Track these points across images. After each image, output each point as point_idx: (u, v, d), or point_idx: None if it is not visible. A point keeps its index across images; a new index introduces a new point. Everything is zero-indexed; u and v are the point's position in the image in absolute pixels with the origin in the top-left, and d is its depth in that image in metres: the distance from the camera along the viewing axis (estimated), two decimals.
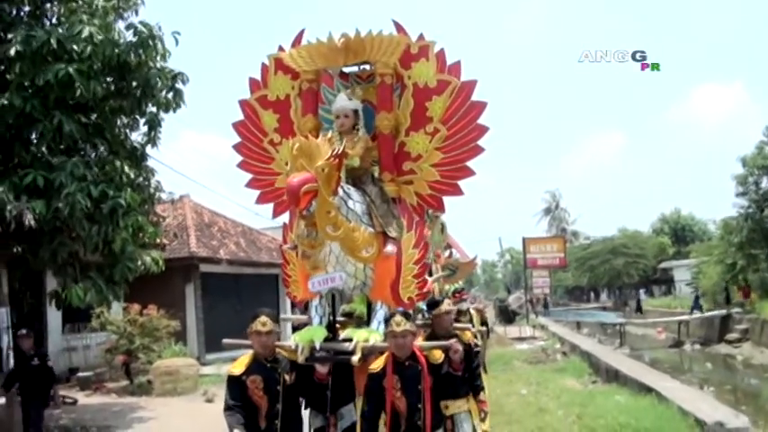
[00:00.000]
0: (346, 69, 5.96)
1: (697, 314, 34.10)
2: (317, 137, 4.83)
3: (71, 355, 18.02)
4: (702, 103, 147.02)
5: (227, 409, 4.76)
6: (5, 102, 9.93)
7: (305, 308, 5.89)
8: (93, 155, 11.24)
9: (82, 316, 17.14)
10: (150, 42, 10.68)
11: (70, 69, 9.68)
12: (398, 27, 5.42)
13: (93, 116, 11.15)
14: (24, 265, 11.83)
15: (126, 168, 10.87)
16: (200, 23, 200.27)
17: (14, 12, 10.86)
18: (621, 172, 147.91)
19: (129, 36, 10.79)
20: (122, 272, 11.21)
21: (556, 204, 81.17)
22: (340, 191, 4.78)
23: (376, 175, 5.60)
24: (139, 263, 11.52)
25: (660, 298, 56.60)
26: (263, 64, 5.98)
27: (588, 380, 16.96)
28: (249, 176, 6.21)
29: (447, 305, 6.11)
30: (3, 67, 10.59)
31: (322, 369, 4.96)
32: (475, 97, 5.36)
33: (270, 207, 6.17)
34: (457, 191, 5.58)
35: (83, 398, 15.19)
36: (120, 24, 11.22)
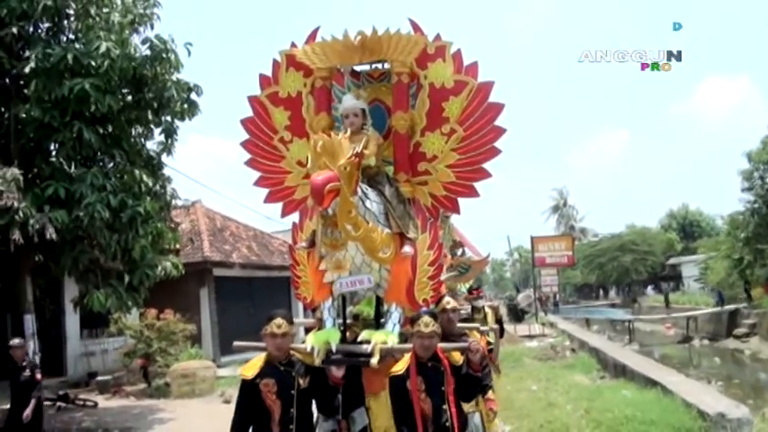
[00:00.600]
0: (357, 68, 5.82)
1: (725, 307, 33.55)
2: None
3: (89, 359, 18.46)
4: (708, 97, 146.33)
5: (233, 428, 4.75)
6: (26, 114, 10.33)
7: (313, 310, 5.75)
8: (110, 165, 11.61)
9: (100, 321, 17.56)
10: (165, 55, 11.07)
11: (86, 84, 10.07)
12: (415, 26, 5.32)
13: (110, 127, 11.47)
14: (46, 273, 12.23)
15: (144, 177, 11.26)
16: (203, 25, 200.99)
17: (32, 29, 11.22)
18: (628, 168, 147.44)
19: (145, 50, 11.20)
20: (142, 278, 11.60)
21: (564, 202, 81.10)
22: (358, 190, 4.67)
23: (391, 175, 5.44)
24: (159, 269, 11.91)
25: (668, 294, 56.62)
26: (275, 60, 5.81)
27: (596, 375, 17.26)
28: (257, 175, 6.03)
29: (448, 302, 5.95)
30: (21, 82, 10.98)
31: (338, 372, 4.81)
32: (492, 98, 5.27)
33: (279, 206, 6.01)
34: (472, 192, 5.48)
35: (102, 401, 15.52)
36: (136, 38, 11.60)
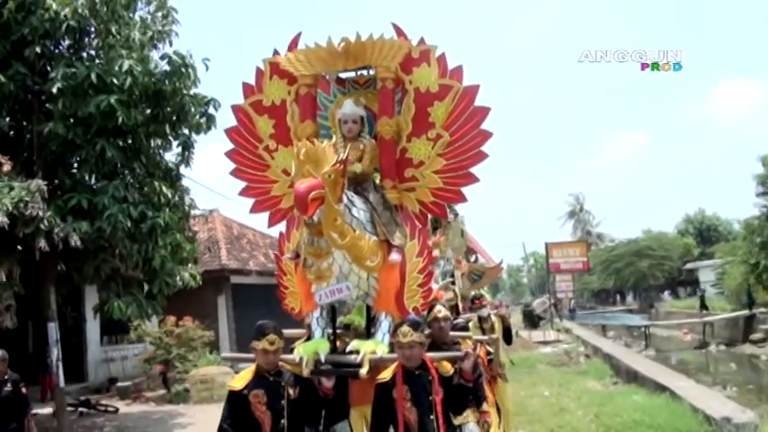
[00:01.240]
0: (343, 75, 5.73)
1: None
2: None
3: (109, 365, 18.89)
4: (726, 100, 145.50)
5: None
6: (50, 130, 10.69)
7: (301, 320, 5.68)
8: (131, 177, 11.94)
9: (119, 328, 17.96)
10: (183, 70, 11.38)
11: (111, 100, 10.40)
12: (398, 31, 5.24)
13: (130, 140, 11.79)
14: (69, 281, 12.58)
15: (163, 189, 11.61)
16: (221, 37, 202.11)
17: (54, 47, 11.59)
18: (646, 172, 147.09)
19: (164, 65, 11.50)
20: (161, 287, 11.94)
21: (580, 207, 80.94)
22: (344, 198, 4.60)
23: (377, 181, 5.38)
24: (178, 278, 12.26)
25: (685, 299, 56.31)
26: (258, 68, 5.73)
27: (610, 381, 17.34)
28: (243, 184, 5.94)
29: (440, 311, 5.91)
30: (44, 98, 11.35)
31: (328, 383, 4.73)
32: (479, 102, 5.17)
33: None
34: (460, 198, 5.40)
35: (123, 407, 15.88)
36: (155, 54, 11.95)
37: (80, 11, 10.76)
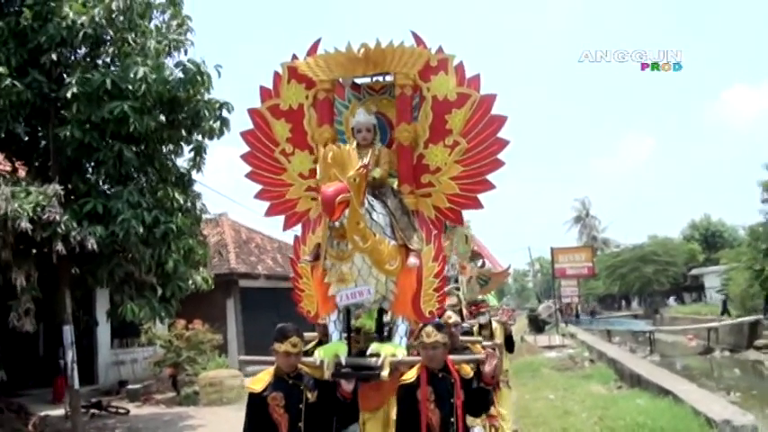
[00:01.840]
0: (358, 80, 5.84)
1: None
2: None
3: (120, 368, 19.09)
4: (733, 105, 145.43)
5: None
6: (65, 135, 10.92)
7: (313, 324, 5.75)
8: (144, 182, 12.16)
9: (130, 331, 18.15)
10: (197, 78, 11.59)
11: (125, 106, 10.65)
12: (417, 39, 5.34)
13: (143, 146, 12.00)
14: (83, 285, 12.80)
15: (176, 194, 11.87)
16: (233, 41, 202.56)
17: (71, 55, 11.78)
18: (652, 178, 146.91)
19: (178, 72, 11.72)
20: (174, 290, 12.15)
21: (586, 212, 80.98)
22: (365, 202, 4.66)
23: (395, 187, 5.43)
24: (190, 282, 12.49)
25: (690, 305, 56.39)
26: (276, 72, 5.76)
27: (614, 385, 17.55)
28: (258, 188, 5.95)
29: (450, 317, 5.96)
30: (59, 104, 11.57)
31: (347, 386, 4.72)
32: (495, 111, 5.27)
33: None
34: (476, 204, 5.43)
35: (133, 409, 16.04)
36: (169, 61, 12.11)
37: (97, 19, 10.95)
